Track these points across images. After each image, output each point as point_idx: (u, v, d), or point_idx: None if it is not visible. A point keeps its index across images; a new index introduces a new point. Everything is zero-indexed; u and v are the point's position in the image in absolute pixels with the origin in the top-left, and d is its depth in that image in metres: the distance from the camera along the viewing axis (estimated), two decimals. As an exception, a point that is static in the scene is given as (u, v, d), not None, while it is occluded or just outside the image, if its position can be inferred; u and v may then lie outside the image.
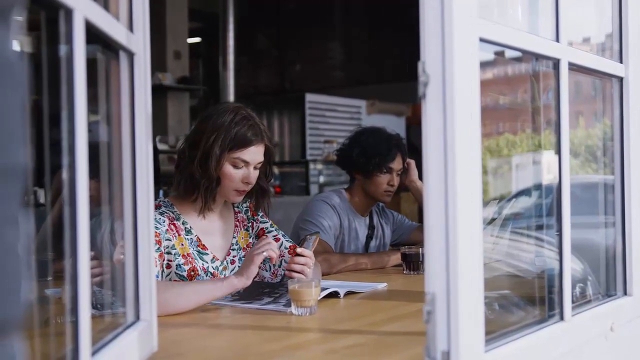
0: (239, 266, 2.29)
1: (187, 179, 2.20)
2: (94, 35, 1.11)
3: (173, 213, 2.20)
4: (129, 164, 1.36)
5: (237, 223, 2.38)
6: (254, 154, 2.21)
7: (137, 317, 1.37)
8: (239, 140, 2.17)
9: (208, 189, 2.18)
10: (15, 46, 0.60)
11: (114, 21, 1.23)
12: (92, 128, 1.11)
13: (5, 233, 0.57)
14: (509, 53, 1.54)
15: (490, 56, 1.46)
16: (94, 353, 1.09)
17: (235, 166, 2.19)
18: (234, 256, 2.33)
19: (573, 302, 1.55)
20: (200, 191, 2.19)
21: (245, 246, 2.36)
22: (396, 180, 3.02)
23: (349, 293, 2.17)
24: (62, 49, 1.02)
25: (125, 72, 1.35)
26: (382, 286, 2.34)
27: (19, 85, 0.59)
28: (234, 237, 2.35)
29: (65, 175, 1.01)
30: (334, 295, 2.10)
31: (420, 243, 2.93)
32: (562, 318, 1.51)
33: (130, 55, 1.35)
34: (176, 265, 2.15)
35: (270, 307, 1.94)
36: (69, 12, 0.99)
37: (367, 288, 2.28)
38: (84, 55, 1.02)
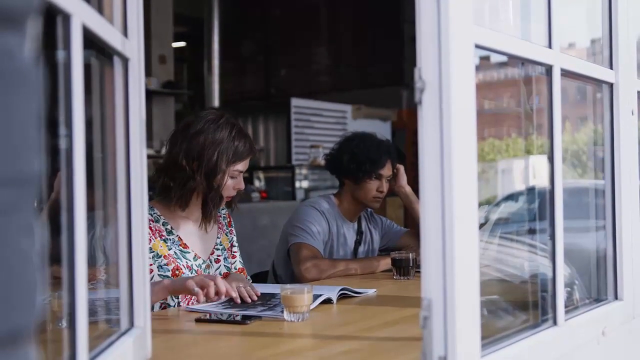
0: (224, 265, 2.40)
1: (189, 192, 2.26)
2: (88, 40, 1.10)
3: (152, 215, 2.23)
4: (123, 170, 1.35)
5: (220, 225, 2.46)
6: (247, 163, 2.34)
7: (132, 324, 1.36)
8: (240, 154, 2.29)
9: (215, 203, 2.28)
10: (31, 54, 0.60)
11: (109, 26, 1.22)
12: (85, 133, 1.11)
13: (20, 241, 0.56)
14: (494, 58, 1.54)
15: (475, 61, 1.46)
16: (90, 361, 1.08)
17: (232, 177, 2.30)
18: (218, 255, 2.40)
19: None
20: (207, 205, 2.28)
21: (226, 247, 2.45)
22: (385, 187, 3.02)
23: (342, 296, 2.18)
24: (59, 54, 1.01)
25: (119, 78, 1.34)
26: (372, 292, 2.34)
27: (34, 93, 0.59)
28: (218, 238, 2.43)
29: (62, 181, 1.00)
30: (326, 301, 2.10)
31: (408, 248, 2.94)
32: (555, 323, 1.51)
33: (125, 60, 1.34)
34: (158, 266, 2.19)
35: (267, 313, 1.93)
36: (66, 18, 0.98)
37: (359, 292, 2.28)
38: (81, 60, 1.02)
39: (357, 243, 3.13)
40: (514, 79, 1.81)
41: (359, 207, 3.09)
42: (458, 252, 1.15)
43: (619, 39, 1.81)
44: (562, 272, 1.53)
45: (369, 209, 3.19)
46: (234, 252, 2.50)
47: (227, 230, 2.49)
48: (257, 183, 7.40)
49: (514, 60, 1.61)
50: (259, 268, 3.33)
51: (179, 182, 2.23)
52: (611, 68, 1.82)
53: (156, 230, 2.24)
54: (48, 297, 1.43)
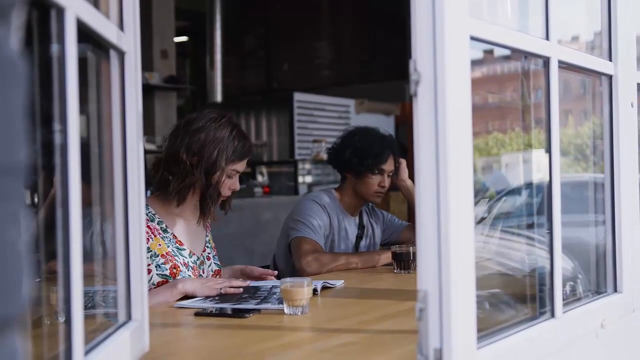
0: (214, 262, 2.44)
1: (187, 187, 2.27)
2: (84, 34, 1.10)
3: (147, 215, 2.24)
4: (119, 164, 1.35)
5: (208, 225, 2.49)
6: (245, 164, 2.37)
7: (129, 317, 1.37)
8: (238, 154, 2.31)
9: (213, 200, 2.30)
10: (16, 45, 0.60)
11: (105, 20, 1.22)
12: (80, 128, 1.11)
13: (7, 230, 0.57)
14: (498, 51, 1.54)
15: (479, 54, 1.46)
16: (86, 353, 1.08)
17: (229, 176, 2.32)
18: (208, 253, 2.44)
19: (563, 299, 1.55)
20: (205, 201, 2.30)
21: (213, 247, 2.50)
22: (387, 182, 3.02)
23: (324, 288, 2.24)
24: (53, 48, 1.01)
25: (115, 71, 1.34)
26: (339, 283, 2.37)
27: (20, 84, 0.59)
28: (207, 236, 2.47)
29: (57, 176, 1.00)
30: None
31: (410, 242, 2.94)
32: (553, 315, 1.51)
33: (121, 54, 1.34)
34: (156, 266, 2.20)
35: (267, 305, 1.93)
36: (60, 11, 0.98)
37: (334, 284, 2.33)
38: (75, 54, 1.02)
39: (359, 237, 3.13)
40: (518, 72, 1.80)
41: (361, 201, 3.09)
42: (453, 243, 1.16)
43: (618, 31, 1.81)
44: (560, 264, 1.53)
45: (371, 203, 3.19)
46: (214, 254, 2.53)
47: (210, 231, 2.54)
48: (259, 178, 7.40)
49: (515, 53, 1.60)
50: (261, 263, 3.33)
51: (178, 176, 2.25)
52: (610, 60, 1.82)
53: (154, 229, 2.26)
54: (36, 288, 1.43)
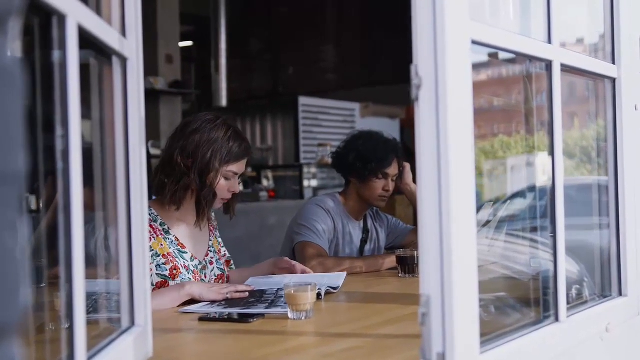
0: (217, 267, 2.44)
1: (182, 189, 2.28)
2: (86, 40, 1.11)
3: (150, 215, 2.25)
4: (122, 170, 1.36)
5: (211, 228, 2.50)
6: (243, 165, 2.36)
7: (132, 323, 1.37)
8: (234, 154, 2.30)
9: (208, 201, 2.30)
10: (13, 52, 0.60)
11: (106, 26, 1.22)
12: (84, 134, 1.11)
13: (4, 238, 0.57)
14: (503, 55, 1.54)
15: (484, 58, 1.46)
16: (89, 358, 1.08)
17: (226, 178, 2.32)
18: (211, 257, 2.44)
19: (569, 303, 1.55)
20: (200, 203, 2.30)
21: (217, 250, 2.48)
22: (391, 186, 3.02)
23: (328, 293, 2.23)
24: (55, 54, 1.02)
25: (118, 77, 1.35)
26: (342, 276, 2.41)
27: (17, 91, 0.59)
28: (210, 240, 2.46)
29: (59, 181, 1.01)
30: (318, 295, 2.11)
31: (415, 246, 2.93)
32: (557, 319, 1.51)
33: (123, 60, 1.34)
34: (156, 265, 2.22)
35: (276, 310, 1.93)
36: (62, 18, 0.99)
37: (333, 278, 2.36)
38: (77, 60, 1.02)
39: (364, 241, 3.13)
40: (523, 75, 1.80)
41: (365, 205, 3.09)
42: (455, 248, 1.15)
43: (622, 34, 1.80)
44: (564, 268, 1.53)
45: (375, 207, 3.19)
46: (224, 253, 2.53)
47: (216, 234, 2.53)
48: (265, 182, 7.40)
49: (519, 56, 1.60)
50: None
51: (174, 178, 2.26)
52: (614, 63, 1.81)
53: (156, 229, 2.27)
54: (41, 294, 1.44)
